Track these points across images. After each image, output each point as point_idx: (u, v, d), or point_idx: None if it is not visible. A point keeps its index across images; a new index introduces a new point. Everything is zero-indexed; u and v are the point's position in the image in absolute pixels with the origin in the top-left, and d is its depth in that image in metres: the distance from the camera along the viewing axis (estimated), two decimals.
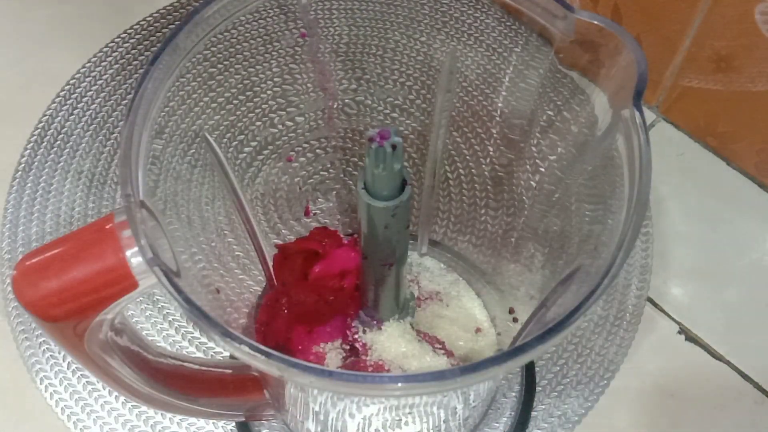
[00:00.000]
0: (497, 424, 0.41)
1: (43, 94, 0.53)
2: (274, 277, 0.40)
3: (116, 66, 0.54)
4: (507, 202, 0.41)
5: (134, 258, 0.22)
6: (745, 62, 0.46)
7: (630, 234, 0.23)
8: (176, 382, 0.31)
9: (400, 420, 0.33)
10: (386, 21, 0.46)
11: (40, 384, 0.42)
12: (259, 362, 0.21)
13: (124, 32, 0.56)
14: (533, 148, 0.37)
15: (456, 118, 0.42)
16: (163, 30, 0.56)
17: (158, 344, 0.43)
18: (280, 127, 0.43)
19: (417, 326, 0.38)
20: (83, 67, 0.54)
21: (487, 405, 0.41)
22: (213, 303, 0.34)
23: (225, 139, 0.41)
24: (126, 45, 0.56)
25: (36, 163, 0.50)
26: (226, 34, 0.29)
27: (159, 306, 0.45)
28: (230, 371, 0.33)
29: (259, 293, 0.41)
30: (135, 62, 0.55)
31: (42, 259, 0.23)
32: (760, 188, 0.50)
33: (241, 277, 0.39)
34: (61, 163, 0.50)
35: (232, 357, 0.42)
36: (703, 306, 0.46)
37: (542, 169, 0.37)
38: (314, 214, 0.45)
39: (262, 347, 0.21)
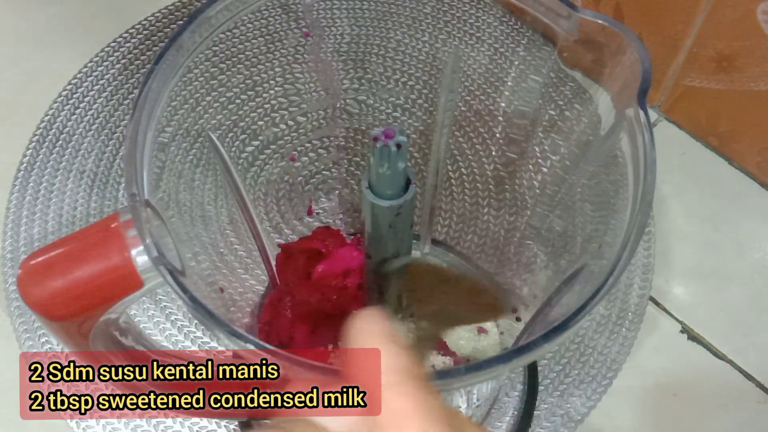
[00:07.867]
0: (500, 423, 0.41)
1: (44, 93, 0.53)
2: (277, 276, 0.40)
3: (118, 65, 0.54)
4: (509, 202, 0.41)
5: (139, 257, 0.22)
6: (747, 62, 0.46)
7: (634, 234, 0.23)
8: (179, 381, 0.31)
9: None
10: (389, 20, 0.46)
11: None
12: None
13: (126, 32, 0.56)
14: (536, 148, 0.37)
15: (459, 117, 0.42)
16: (165, 29, 0.56)
17: (161, 344, 0.43)
18: (282, 126, 0.43)
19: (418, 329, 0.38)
20: (85, 66, 0.54)
21: (490, 404, 0.41)
22: (217, 302, 0.34)
23: (228, 138, 0.41)
24: (128, 44, 0.55)
25: (38, 163, 0.50)
26: (229, 33, 0.29)
27: (161, 306, 0.45)
28: None
29: (262, 292, 0.41)
30: (137, 62, 0.55)
31: (47, 258, 0.23)
32: (762, 187, 0.50)
33: (244, 276, 0.39)
34: (63, 163, 0.50)
35: (235, 356, 0.42)
36: (705, 305, 0.46)
37: (545, 169, 0.37)
38: (317, 213, 0.45)
39: (268, 345, 0.21)
